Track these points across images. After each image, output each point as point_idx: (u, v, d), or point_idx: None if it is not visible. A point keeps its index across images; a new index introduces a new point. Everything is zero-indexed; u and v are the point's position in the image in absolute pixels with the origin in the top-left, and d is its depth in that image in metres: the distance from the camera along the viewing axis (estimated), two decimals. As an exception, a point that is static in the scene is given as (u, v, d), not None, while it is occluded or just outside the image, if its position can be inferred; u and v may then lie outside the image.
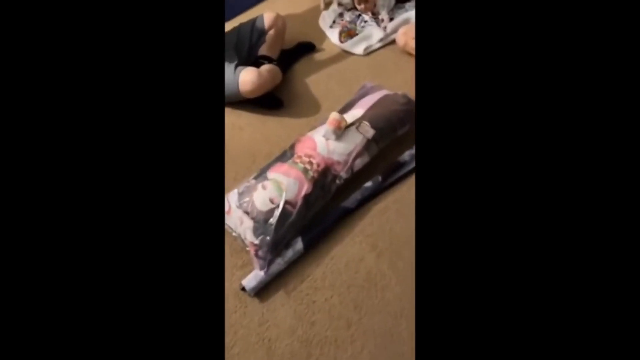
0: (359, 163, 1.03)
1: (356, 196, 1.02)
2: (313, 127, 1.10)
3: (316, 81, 1.36)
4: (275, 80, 1.26)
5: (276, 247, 0.92)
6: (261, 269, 0.90)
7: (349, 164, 1.01)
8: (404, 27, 1.37)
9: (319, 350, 0.80)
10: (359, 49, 1.41)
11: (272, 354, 0.81)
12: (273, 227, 0.91)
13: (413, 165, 1.07)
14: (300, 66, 1.42)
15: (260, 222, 0.92)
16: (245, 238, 0.92)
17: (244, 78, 1.20)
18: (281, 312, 0.86)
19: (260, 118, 1.27)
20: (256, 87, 1.20)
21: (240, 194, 0.97)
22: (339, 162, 1.01)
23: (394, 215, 1.00)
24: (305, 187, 0.96)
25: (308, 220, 0.98)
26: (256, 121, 1.26)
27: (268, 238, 0.90)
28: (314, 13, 1.58)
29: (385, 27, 1.43)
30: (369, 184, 1.03)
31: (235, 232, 0.95)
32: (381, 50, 1.43)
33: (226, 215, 0.96)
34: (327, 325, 0.84)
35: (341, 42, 1.44)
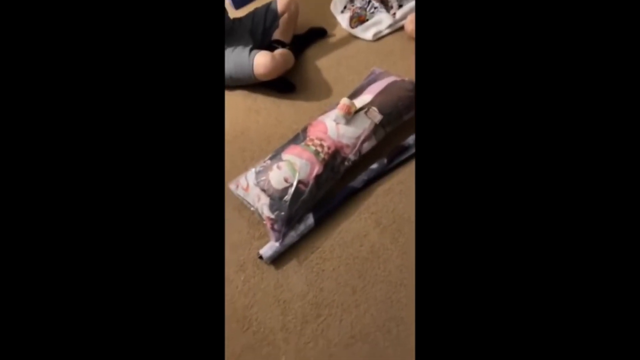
0: (367, 146, 1.10)
1: (363, 177, 1.09)
2: (324, 112, 1.17)
3: (327, 66, 1.42)
4: (287, 64, 1.32)
5: (290, 221, 1.01)
6: (276, 240, 0.99)
7: (357, 147, 1.09)
8: (413, 14, 1.41)
9: (327, 311, 0.90)
10: (368, 35, 1.45)
11: (287, 313, 0.91)
12: (287, 204, 1.00)
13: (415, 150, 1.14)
14: (311, 51, 1.47)
15: (275, 199, 1.01)
16: (262, 213, 1.02)
17: (258, 61, 1.25)
18: (294, 279, 0.96)
19: (275, 101, 1.33)
20: (270, 70, 1.25)
21: (258, 173, 1.06)
22: (347, 145, 1.08)
23: (397, 195, 1.08)
24: (317, 168, 1.04)
25: (319, 198, 1.06)
26: (271, 105, 1.32)
27: (282, 213, 0.99)
28: (326, -2, 1.61)
29: (394, 14, 1.46)
30: (374, 165, 1.11)
31: (253, 207, 1.04)
32: (390, 37, 1.47)
33: (245, 192, 1.05)
34: (335, 291, 0.93)
35: (352, 27, 1.48)
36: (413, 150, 1.13)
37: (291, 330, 0.89)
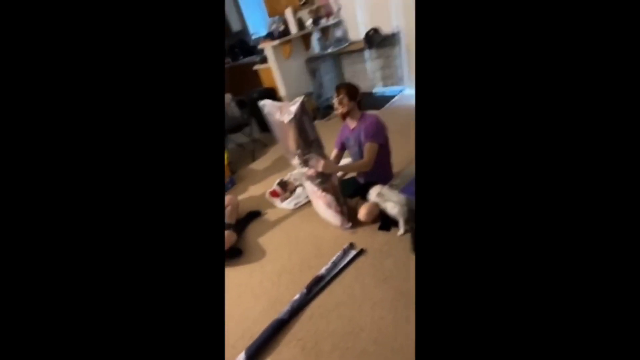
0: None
1: (287, 308, 1.26)
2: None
3: (267, 235, 1.82)
4: (229, 240, 1.72)
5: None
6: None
7: None
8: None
9: None
10: (290, 205, 1.97)
11: None
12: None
13: (329, 277, 1.38)
14: (253, 226, 1.92)
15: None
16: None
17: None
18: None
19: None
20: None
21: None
22: None
23: (318, 318, 1.23)
24: None
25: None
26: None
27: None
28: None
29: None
30: (297, 297, 1.30)
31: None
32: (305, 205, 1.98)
33: None
34: None
35: (281, 202, 2.01)
36: (327, 279, 1.37)
37: None
